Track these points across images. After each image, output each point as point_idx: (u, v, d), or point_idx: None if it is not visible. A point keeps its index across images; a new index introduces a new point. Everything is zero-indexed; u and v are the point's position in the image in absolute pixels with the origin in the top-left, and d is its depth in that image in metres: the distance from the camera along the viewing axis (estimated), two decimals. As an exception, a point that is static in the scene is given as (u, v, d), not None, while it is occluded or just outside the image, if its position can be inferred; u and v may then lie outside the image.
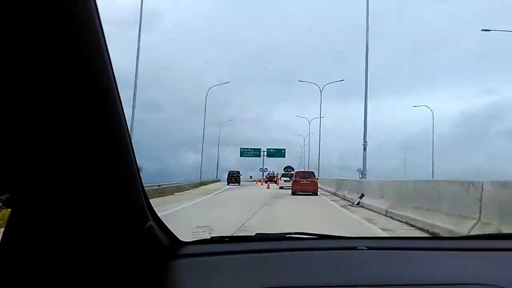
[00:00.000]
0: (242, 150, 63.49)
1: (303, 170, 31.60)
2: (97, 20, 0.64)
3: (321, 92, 43.73)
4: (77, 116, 0.65)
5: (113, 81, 0.72)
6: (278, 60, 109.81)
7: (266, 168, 60.73)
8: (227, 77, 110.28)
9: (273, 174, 52.56)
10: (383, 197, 12.68)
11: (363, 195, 15.89)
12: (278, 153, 63.23)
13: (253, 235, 1.34)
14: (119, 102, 0.74)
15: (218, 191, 26.82)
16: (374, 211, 12.81)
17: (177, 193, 22.31)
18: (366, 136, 20.11)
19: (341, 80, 43.16)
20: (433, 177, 36.06)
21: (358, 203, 15.66)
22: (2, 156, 0.62)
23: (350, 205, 16.11)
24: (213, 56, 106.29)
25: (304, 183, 22.98)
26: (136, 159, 0.86)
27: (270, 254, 1.20)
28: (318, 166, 43.06)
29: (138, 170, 0.88)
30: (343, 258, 1.19)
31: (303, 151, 65.39)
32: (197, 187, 33.15)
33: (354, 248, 1.22)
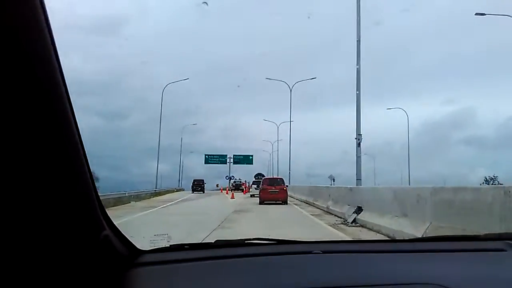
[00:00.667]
0: (206, 157, 58.74)
1: (270, 177, 29.54)
2: (44, 25, 0.63)
3: (290, 90, 41.98)
4: (22, 123, 0.64)
5: (62, 86, 0.71)
6: (247, 68, 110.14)
7: (232, 176, 56.15)
8: (193, 85, 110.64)
9: (240, 181, 49.14)
10: (406, 215, 7.94)
11: (360, 208, 11.23)
12: (246, 159, 58.77)
13: (213, 241, 1.37)
14: (69, 108, 0.73)
15: (172, 202, 23.07)
16: (389, 236, 8.24)
17: (114, 207, 17.28)
18: (359, 129, 15.53)
19: (312, 78, 41.66)
20: (409, 184, 35.69)
21: (354, 221, 11.00)
22: None
23: (342, 223, 11.40)
24: (179, 64, 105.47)
25: (272, 191, 21.28)
26: (90, 168, 0.86)
27: (229, 260, 1.23)
28: (289, 173, 40.81)
29: (92, 179, 0.87)
30: (299, 263, 1.21)
31: (271, 158, 63.94)
32: (150, 197, 29.25)
33: (310, 252, 1.26)
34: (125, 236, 1.13)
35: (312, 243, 1.40)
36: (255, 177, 41.27)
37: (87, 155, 0.83)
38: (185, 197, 29.43)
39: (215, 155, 59.03)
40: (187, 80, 41.41)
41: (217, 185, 55.73)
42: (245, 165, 59.51)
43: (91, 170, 0.87)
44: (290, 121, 41.76)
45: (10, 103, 0.60)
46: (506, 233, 1.43)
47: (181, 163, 55.28)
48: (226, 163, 58.45)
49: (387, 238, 6.89)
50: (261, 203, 20.66)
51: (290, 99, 41.61)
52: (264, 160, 71.52)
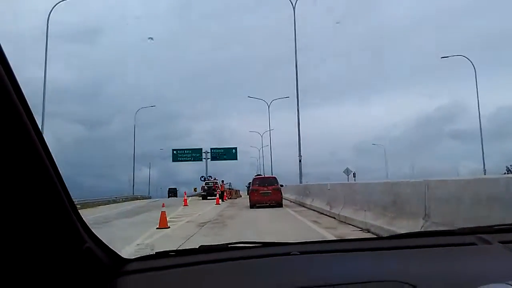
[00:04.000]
0: (175, 152, 50.44)
1: (262, 176, 26.41)
2: None
3: (268, 107, 47.14)
4: None
5: (13, 93, 0.71)
6: (231, 76, 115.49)
7: (210, 176, 45.36)
8: (175, 92, 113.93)
9: (212, 183, 34.90)
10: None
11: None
12: (227, 154, 51.30)
13: (197, 247, 1.43)
14: (27, 118, 0.74)
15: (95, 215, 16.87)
16: None
17: None
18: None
19: (285, 97, 42.86)
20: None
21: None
22: None
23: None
24: (159, 71, 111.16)
25: (264, 192, 19.27)
26: (63, 179, 0.88)
27: (214, 265, 1.28)
28: (271, 173, 40.71)
29: (65, 191, 0.90)
30: (278, 264, 1.28)
31: (258, 163, 65.85)
32: (97, 206, 26.73)
33: (288, 254, 1.32)
34: (108, 246, 1.19)
35: (292, 244, 1.48)
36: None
37: (57, 167, 0.85)
38: (121, 209, 22.64)
39: (186, 150, 50.81)
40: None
41: (194, 189, 47.49)
42: (227, 161, 52.42)
43: (64, 182, 0.89)
44: (270, 131, 47.94)
45: None
46: (479, 227, 1.50)
47: (133, 172, 49.60)
48: (201, 160, 50.52)
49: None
50: (251, 206, 18.92)
51: (269, 116, 46.91)
52: (252, 166, 72.19)
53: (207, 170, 49.67)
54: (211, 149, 50.91)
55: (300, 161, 25.91)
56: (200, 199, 32.79)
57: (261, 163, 62.55)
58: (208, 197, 32.09)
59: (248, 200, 19.72)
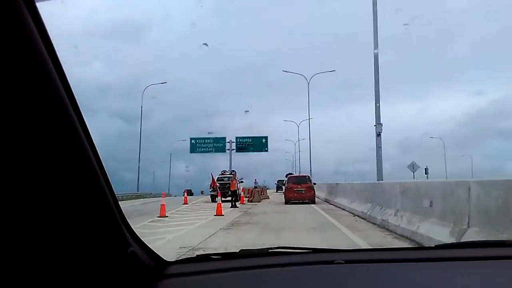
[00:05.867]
0: (193, 142, 42.15)
1: (296, 174, 28.97)
2: (35, 32, 0.64)
3: (308, 83, 41.18)
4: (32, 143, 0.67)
5: (66, 97, 0.72)
6: (265, 68, 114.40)
7: (233, 171, 35.57)
8: (215, 86, 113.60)
9: (226, 177, 25.54)
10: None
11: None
12: (256, 144, 42.82)
13: (238, 251, 1.45)
14: (78, 123, 0.75)
15: None
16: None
17: None
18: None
19: (331, 71, 41.78)
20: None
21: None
22: None
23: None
24: (200, 66, 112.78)
25: (298, 190, 21.22)
26: (110, 182, 0.91)
27: (254, 271, 1.29)
28: (310, 170, 38.92)
29: (112, 195, 0.92)
30: (321, 273, 1.26)
31: (294, 159, 64.00)
32: None
33: (332, 262, 1.30)
34: (151, 249, 1.23)
35: (335, 252, 1.45)
36: (286, 177, 31.68)
37: (105, 170, 0.87)
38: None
39: (207, 138, 42.63)
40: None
41: (202, 192, 38.87)
42: (255, 153, 44.09)
43: (111, 185, 0.91)
44: (309, 115, 41.08)
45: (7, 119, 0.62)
46: None
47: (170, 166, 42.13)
48: (224, 151, 41.72)
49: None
50: (286, 202, 21.27)
51: (308, 92, 40.69)
52: (287, 162, 72.37)
53: (231, 163, 41.31)
54: (236, 138, 42.71)
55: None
56: (211, 201, 24.27)
57: (296, 158, 58.66)
58: (223, 198, 22.82)
59: (272, 207, 18.92)
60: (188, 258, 1.42)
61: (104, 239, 0.90)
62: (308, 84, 41.10)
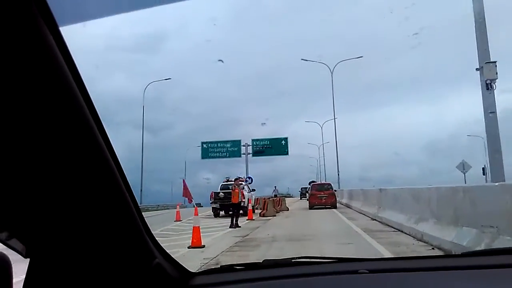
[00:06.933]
0: (205, 147, 37.44)
1: (318, 182, 31.37)
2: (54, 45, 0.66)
3: (331, 72, 37.71)
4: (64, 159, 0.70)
5: (88, 113, 0.74)
6: (285, 75, 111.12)
7: (248, 178, 31.27)
8: (235, 93, 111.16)
9: (232, 187, 17.62)
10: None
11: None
12: (275, 146, 37.75)
13: (261, 261, 1.44)
14: (100, 137, 0.77)
15: None
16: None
17: None
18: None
19: (359, 57, 36.89)
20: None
21: None
22: (18, 211, 0.71)
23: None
24: (220, 73, 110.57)
25: (321, 196, 23.15)
26: (135, 197, 0.93)
27: (278, 281, 1.28)
28: (338, 176, 37.21)
29: (138, 209, 0.95)
30: (344, 283, 1.25)
31: (318, 164, 61.77)
32: None
33: (356, 272, 1.28)
34: (175, 260, 1.24)
35: (360, 261, 1.45)
36: (309, 184, 32.76)
37: (128, 182, 0.89)
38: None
39: (219, 142, 37.75)
40: (169, 81, 39.41)
41: (177, 205, 32.49)
42: (274, 157, 38.93)
43: (135, 198, 0.93)
44: (334, 113, 37.24)
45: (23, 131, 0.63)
46: None
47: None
48: (240, 156, 37.18)
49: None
50: (310, 207, 23.05)
51: (332, 83, 37.30)
52: (311, 167, 71.62)
53: (247, 169, 36.62)
54: (252, 140, 37.71)
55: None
56: (213, 216, 19.72)
57: (321, 163, 55.77)
58: (226, 213, 18.58)
59: (288, 226, 14.69)
60: (212, 268, 1.46)
61: (131, 251, 0.94)
62: (332, 73, 37.97)
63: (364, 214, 16.32)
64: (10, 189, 0.66)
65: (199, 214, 11.53)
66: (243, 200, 16.48)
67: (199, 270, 1.37)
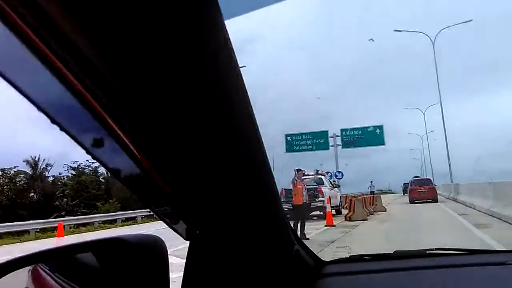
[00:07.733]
0: (289, 139, 33.63)
1: (418, 177, 30.01)
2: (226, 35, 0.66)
3: (433, 44, 32.66)
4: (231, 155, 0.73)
5: (249, 108, 0.75)
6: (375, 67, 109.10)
7: (338, 172, 28.28)
8: (327, 89, 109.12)
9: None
10: None
11: None
12: (368, 136, 32.57)
13: (392, 252, 1.40)
14: (255, 129, 0.79)
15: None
16: None
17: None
18: None
19: (467, 21, 31.02)
20: None
21: None
22: (193, 201, 0.77)
23: None
24: (312, 70, 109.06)
25: (421, 191, 24.12)
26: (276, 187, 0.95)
27: (410, 272, 1.24)
28: (450, 170, 31.53)
29: (279, 198, 0.98)
30: (492, 275, 1.18)
31: (422, 156, 57.50)
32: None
33: (504, 263, 1.20)
34: (310, 249, 1.28)
35: (505, 253, 1.36)
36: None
37: (273, 175, 0.91)
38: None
39: (305, 134, 33.60)
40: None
41: None
42: (368, 148, 33.67)
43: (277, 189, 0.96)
44: (440, 96, 31.99)
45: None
46: None
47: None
48: (328, 148, 32.78)
49: None
50: (411, 202, 24.07)
51: (434, 56, 32.56)
52: (415, 161, 67.73)
53: (337, 163, 32.00)
54: (341, 130, 32.88)
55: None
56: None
57: (427, 154, 50.58)
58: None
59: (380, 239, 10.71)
60: (343, 258, 1.46)
61: (276, 237, 0.98)
62: (433, 43, 33.50)
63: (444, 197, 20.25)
64: (195, 181, 0.71)
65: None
66: (307, 200, 11.84)
67: (332, 259, 1.41)
